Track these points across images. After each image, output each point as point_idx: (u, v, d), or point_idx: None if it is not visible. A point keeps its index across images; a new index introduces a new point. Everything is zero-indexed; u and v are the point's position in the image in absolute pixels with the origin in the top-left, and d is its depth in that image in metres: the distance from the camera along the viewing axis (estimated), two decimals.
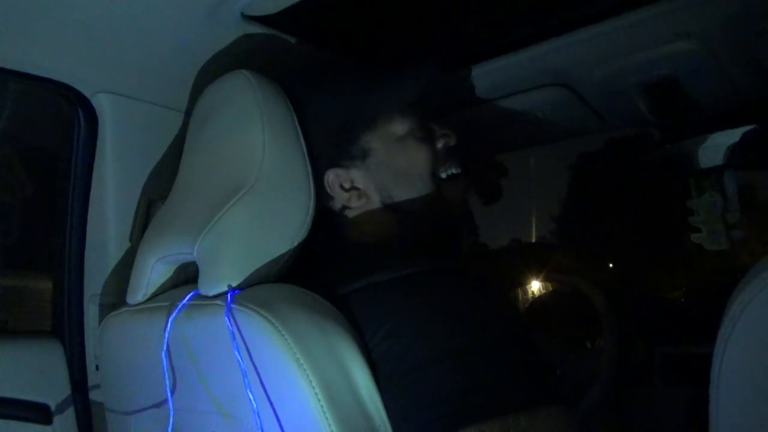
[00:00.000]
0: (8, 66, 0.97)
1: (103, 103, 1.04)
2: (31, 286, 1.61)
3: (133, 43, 0.99)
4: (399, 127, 0.94)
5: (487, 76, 1.18)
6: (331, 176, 0.93)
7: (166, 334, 0.80)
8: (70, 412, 1.15)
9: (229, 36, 1.00)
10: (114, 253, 1.06)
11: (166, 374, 0.80)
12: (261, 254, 0.81)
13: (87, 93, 1.03)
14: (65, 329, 1.13)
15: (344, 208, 0.94)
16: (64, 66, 0.99)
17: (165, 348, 0.80)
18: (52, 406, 1.15)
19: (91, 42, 0.96)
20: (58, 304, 1.14)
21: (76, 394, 1.09)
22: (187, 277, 0.92)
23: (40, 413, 1.15)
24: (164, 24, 0.96)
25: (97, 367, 1.06)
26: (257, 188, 0.83)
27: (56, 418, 1.15)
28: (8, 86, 1.04)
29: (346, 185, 0.93)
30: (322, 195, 0.93)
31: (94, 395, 1.08)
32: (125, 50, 0.99)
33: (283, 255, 0.82)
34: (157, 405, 0.85)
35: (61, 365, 1.13)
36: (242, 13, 0.97)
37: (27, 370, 1.17)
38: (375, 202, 0.93)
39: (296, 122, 0.90)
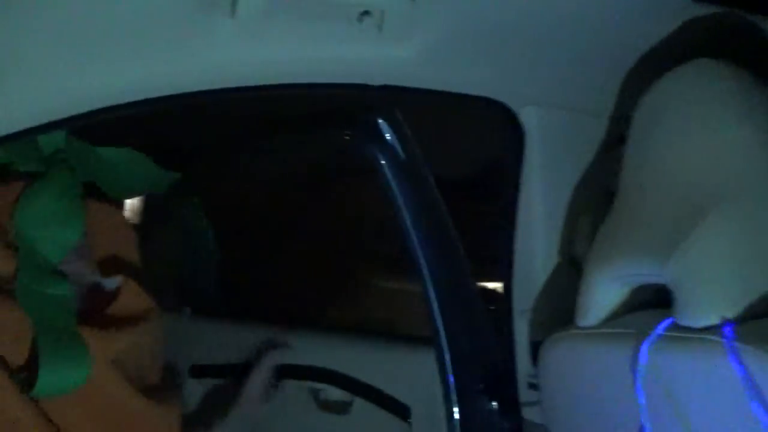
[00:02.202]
0: (440, 87, 1.00)
1: (530, 117, 1.01)
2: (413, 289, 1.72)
3: (561, 50, 0.94)
4: None
5: None
6: None
7: (640, 367, 0.72)
8: (427, 417, 1.22)
9: (672, 24, 0.89)
10: (543, 269, 1.03)
11: (643, 412, 0.72)
12: (758, 279, 0.67)
13: (514, 107, 1.01)
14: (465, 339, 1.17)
15: None
16: (494, 82, 0.99)
17: (639, 382, 0.72)
18: (413, 408, 1.23)
19: (519, 55, 0.94)
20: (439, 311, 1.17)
21: (508, 408, 1.10)
22: (642, 300, 0.83)
23: (401, 411, 1.25)
24: (594, 26, 0.90)
25: (530, 386, 1.04)
26: (742, 197, 0.70)
27: (416, 421, 1.24)
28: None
29: None
30: None
31: (526, 413, 1.06)
32: (552, 59, 0.95)
33: None
34: None
35: (431, 371, 1.18)
36: None
37: (399, 370, 1.28)
38: None
39: None
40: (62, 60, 0.66)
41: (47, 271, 1.04)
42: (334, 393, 1.33)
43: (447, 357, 1.19)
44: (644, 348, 0.71)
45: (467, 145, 1.10)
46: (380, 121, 1.18)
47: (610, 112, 1.02)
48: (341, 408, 1.33)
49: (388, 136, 1.18)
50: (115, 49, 0.69)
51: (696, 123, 0.76)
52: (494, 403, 1.15)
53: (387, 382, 1.26)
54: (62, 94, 0.67)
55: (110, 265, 1.15)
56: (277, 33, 0.76)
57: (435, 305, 1.19)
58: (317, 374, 1.33)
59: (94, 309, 1.09)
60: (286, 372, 1.36)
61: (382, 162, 1.17)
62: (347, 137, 1.19)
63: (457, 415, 1.19)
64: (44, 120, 0.68)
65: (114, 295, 1.11)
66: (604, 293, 0.82)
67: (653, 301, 0.81)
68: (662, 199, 0.78)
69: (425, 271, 1.17)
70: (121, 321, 1.08)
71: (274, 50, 0.79)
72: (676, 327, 0.71)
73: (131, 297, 1.11)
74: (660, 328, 0.71)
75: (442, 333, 1.19)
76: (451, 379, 1.19)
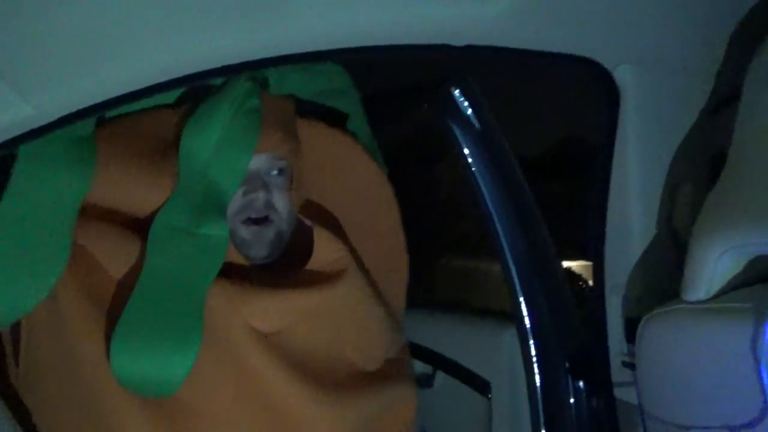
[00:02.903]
0: (528, 46, 0.94)
1: (625, 77, 0.94)
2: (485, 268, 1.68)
3: (660, 5, 0.86)
4: None
5: None
6: None
7: (764, 345, 0.65)
8: (508, 394, 1.19)
9: None
10: (638, 242, 0.96)
11: (767, 393, 0.65)
12: None
13: (609, 66, 0.94)
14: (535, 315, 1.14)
15: None
16: (586, 39, 0.92)
17: (763, 362, 0.65)
18: (493, 384, 1.20)
19: (614, 8, 0.87)
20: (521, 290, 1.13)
21: (599, 387, 1.04)
22: (756, 273, 0.76)
23: (482, 386, 1.22)
24: None
25: (624, 364, 0.97)
26: None
27: (496, 396, 1.20)
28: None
29: None
30: None
31: (620, 393, 1.00)
32: (651, 11, 0.88)
33: None
34: (737, 427, 0.71)
35: (512, 348, 1.16)
36: None
37: (478, 345, 1.25)
38: None
39: None
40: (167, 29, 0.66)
41: (213, 204, 0.83)
42: (419, 366, 1.31)
43: (529, 334, 1.15)
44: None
45: (557, 108, 1.03)
46: (455, 91, 1.13)
47: (717, 69, 0.93)
48: (425, 381, 1.31)
49: (462, 107, 1.13)
50: (206, 18, 0.67)
51: None
52: (581, 382, 1.10)
53: (469, 358, 1.23)
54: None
55: (312, 205, 0.93)
56: None
57: (516, 282, 1.15)
58: None
59: (283, 262, 0.88)
60: None
61: (457, 133, 1.13)
62: (422, 110, 1.15)
63: (539, 394, 1.15)
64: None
65: (306, 244, 0.89)
66: (715, 265, 0.75)
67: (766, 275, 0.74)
68: None
69: (505, 246, 1.13)
70: (306, 281, 0.87)
71: (355, 12, 0.75)
72: None
73: (322, 250, 0.89)
74: None
75: (524, 310, 1.15)
76: (534, 356, 1.15)
